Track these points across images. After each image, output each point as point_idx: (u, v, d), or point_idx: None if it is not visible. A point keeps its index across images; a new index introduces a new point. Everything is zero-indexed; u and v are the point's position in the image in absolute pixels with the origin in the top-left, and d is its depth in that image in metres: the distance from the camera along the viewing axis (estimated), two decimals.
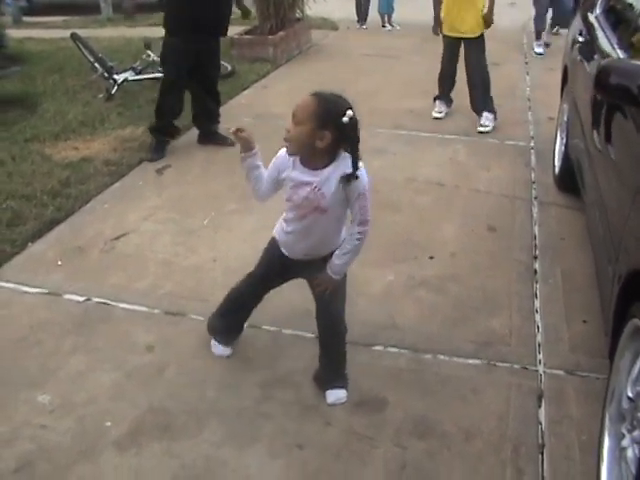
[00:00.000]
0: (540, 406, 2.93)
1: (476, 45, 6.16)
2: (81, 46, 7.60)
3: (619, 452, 2.32)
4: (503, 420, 2.85)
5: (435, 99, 6.68)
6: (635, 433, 2.20)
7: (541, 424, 2.83)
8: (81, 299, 3.67)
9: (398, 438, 2.76)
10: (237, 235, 4.22)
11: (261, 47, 8.83)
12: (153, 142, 5.68)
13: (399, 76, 8.29)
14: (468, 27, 6.05)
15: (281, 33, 9.03)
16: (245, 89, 7.67)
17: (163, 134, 5.68)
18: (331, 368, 3.00)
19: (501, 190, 5.02)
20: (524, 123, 6.54)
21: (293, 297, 3.31)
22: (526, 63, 9.01)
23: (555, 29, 10.35)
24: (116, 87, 7.11)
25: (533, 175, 5.32)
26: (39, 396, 2.97)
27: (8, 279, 3.86)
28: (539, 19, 9.53)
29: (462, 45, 6.22)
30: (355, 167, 2.57)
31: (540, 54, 9.34)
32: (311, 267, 2.80)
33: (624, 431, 2.30)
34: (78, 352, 3.26)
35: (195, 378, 3.07)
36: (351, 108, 2.50)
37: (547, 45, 9.52)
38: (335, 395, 2.94)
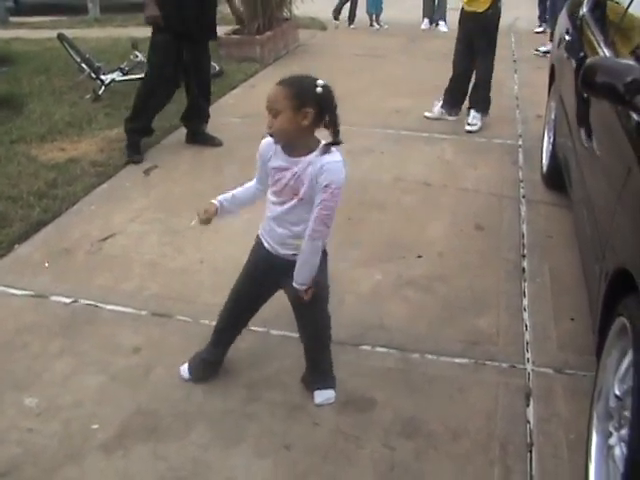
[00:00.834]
0: (528, 405, 2.93)
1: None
2: (68, 46, 7.55)
3: (607, 450, 2.32)
4: (491, 419, 2.85)
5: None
6: (622, 431, 2.20)
7: (529, 423, 2.83)
8: (68, 301, 3.65)
9: (386, 438, 2.75)
10: (224, 236, 4.20)
11: (249, 47, 8.81)
12: (125, 142, 5.63)
13: (387, 75, 8.30)
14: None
15: (269, 33, 9.01)
16: (233, 89, 7.66)
17: (138, 134, 5.63)
18: (317, 370, 2.99)
19: (489, 189, 5.02)
20: (512, 121, 6.56)
21: (282, 298, 3.29)
22: (514, 61, 9.03)
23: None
24: (103, 88, 7.07)
25: (521, 173, 5.33)
26: (26, 399, 2.95)
27: None
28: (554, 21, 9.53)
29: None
30: (333, 132, 2.54)
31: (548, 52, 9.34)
32: (289, 273, 2.75)
33: (612, 429, 2.30)
34: (65, 354, 3.24)
35: (182, 380, 3.05)
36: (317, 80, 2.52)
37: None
38: (323, 395, 2.93)
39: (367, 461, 2.65)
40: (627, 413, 2.15)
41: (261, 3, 9.01)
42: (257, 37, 8.86)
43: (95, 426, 2.80)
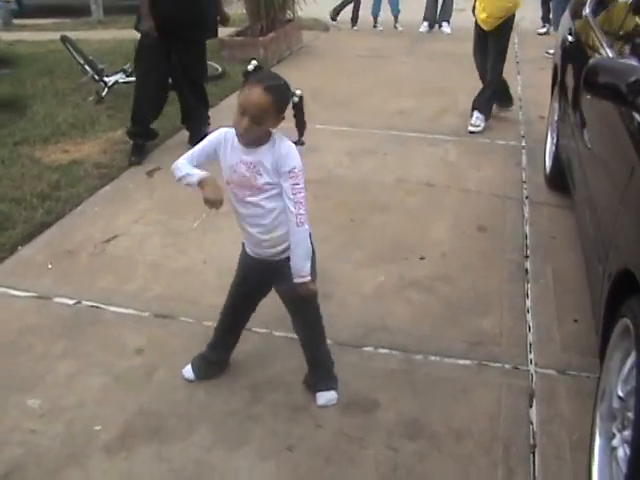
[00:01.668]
0: (531, 406, 2.93)
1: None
2: (71, 48, 7.55)
3: (610, 451, 2.31)
4: (494, 420, 2.85)
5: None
6: (625, 433, 2.19)
7: (532, 424, 2.83)
8: (71, 302, 3.65)
9: (389, 439, 2.75)
10: (227, 237, 4.19)
11: (252, 48, 8.79)
12: (130, 145, 5.64)
13: (390, 77, 8.29)
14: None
15: (272, 34, 9.01)
16: (235, 91, 7.63)
17: (139, 137, 5.64)
18: (319, 370, 2.99)
19: (492, 190, 5.02)
20: (515, 122, 6.55)
21: None
22: (517, 62, 9.01)
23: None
24: (106, 89, 7.08)
25: (524, 174, 5.32)
26: (29, 400, 2.96)
27: None
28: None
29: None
30: (301, 133, 2.66)
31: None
32: (279, 274, 2.75)
33: (615, 430, 2.29)
34: (68, 356, 3.25)
35: (185, 381, 3.05)
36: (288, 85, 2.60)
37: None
38: (325, 397, 2.93)
39: (370, 462, 2.64)
40: (630, 414, 2.15)
41: (264, 4, 9.00)
42: (260, 39, 8.85)
43: (98, 427, 2.81)
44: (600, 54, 3.49)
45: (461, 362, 3.21)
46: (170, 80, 5.69)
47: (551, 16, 10.30)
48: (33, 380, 3.08)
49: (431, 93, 7.47)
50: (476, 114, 6.28)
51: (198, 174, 2.62)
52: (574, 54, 4.32)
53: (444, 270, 3.96)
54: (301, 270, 2.65)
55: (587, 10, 4.48)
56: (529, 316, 3.54)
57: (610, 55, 3.33)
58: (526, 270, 3.96)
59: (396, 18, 11.29)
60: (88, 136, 6.07)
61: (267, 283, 2.89)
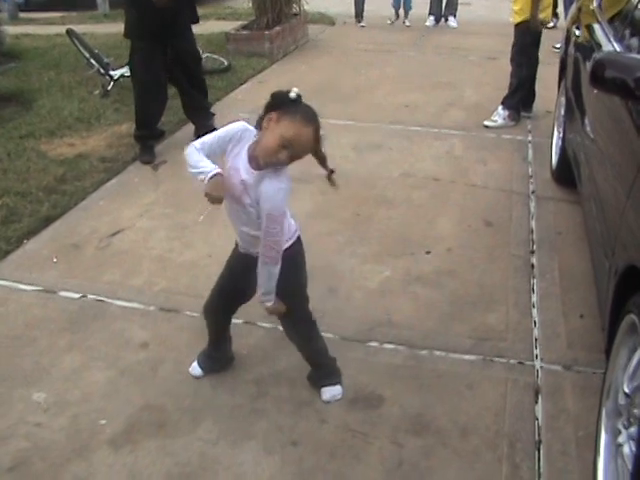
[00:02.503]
0: (537, 402, 2.92)
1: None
2: (77, 42, 7.55)
3: (615, 448, 2.31)
4: (499, 416, 2.84)
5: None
6: (631, 429, 2.19)
7: (538, 420, 2.82)
8: (76, 296, 3.66)
9: (394, 435, 2.74)
10: (233, 230, 4.19)
11: (257, 42, 8.79)
12: (138, 147, 5.60)
13: (396, 71, 8.27)
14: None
15: (277, 28, 8.99)
16: (241, 84, 7.65)
17: (148, 139, 5.62)
18: (321, 367, 2.99)
19: (498, 184, 5.00)
20: (521, 117, 6.52)
21: None
22: None
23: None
24: (112, 83, 7.08)
25: (530, 169, 5.31)
26: (34, 394, 2.96)
27: (3, 277, 3.84)
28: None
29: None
30: (325, 165, 2.62)
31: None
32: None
33: (620, 427, 2.28)
34: (73, 350, 3.25)
35: (190, 375, 3.06)
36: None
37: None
38: (330, 392, 2.93)
39: (375, 458, 2.64)
40: (636, 411, 2.15)
41: None
42: (266, 32, 8.84)
43: (103, 421, 2.81)
44: (607, 48, 3.47)
45: (466, 357, 3.20)
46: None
47: (558, 10, 10.23)
48: (38, 374, 3.09)
49: (437, 87, 7.46)
50: (499, 110, 6.25)
51: (210, 171, 2.45)
52: (581, 48, 4.30)
53: (450, 265, 3.95)
54: (261, 296, 2.63)
55: (595, 3, 4.46)
56: (535, 311, 3.53)
57: (618, 49, 3.31)
58: (532, 265, 3.95)
59: (407, 13, 11.25)
60: (94, 130, 6.08)
61: (254, 277, 2.75)
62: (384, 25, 11.19)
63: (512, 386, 3.01)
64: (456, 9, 11.10)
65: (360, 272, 3.87)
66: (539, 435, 2.74)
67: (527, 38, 6.01)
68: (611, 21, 3.81)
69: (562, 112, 4.98)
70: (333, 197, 4.63)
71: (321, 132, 2.49)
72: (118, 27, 10.35)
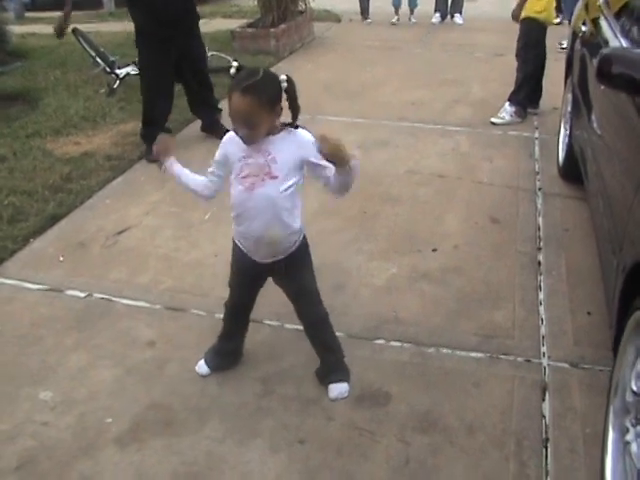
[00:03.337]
0: (544, 399, 2.91)
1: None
2: (83, 41, 7.56)
3: (623, 446, 2.29)
4: (506, 413, 2.83)
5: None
6: (639, 427, 2.18)
7: (545, 417, 2.81)
8: (82, 295, 3.66)
9: (401, 433, 2.74)
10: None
11: (263, 40, 8.79)
12: (144, 145, 5.57)
13: (402, 68, 8.26)
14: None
15: (283, 25, 8.98)
16: None
17: (154, 137, 5.59)
18: (330, 361, 2.98)
19: (504, 181, 4.99)
20: (528, 113, 6.50)
21: None
22: None
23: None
24: (118, 82, 7.09)
25: (537, 166, 5.29)
26: (40, 393, 2.97)
27: (10, 275, 3.85)
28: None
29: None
30: (295, 117, 2.56)
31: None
32: (281, 272, 2.77)
33: (628, 425, 2.27)
34: (79, 348, 3.26)
35: (196, 373, 3.06)
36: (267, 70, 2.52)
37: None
38: (337, 389, 2.92)
39: (382, 456, 2.63)
40: None
41: None
42: (272, 30, 8.83)
43: (109, 420, 2.81)
44: (614, 43, 3.45)
45: (473, 355, 3.19)
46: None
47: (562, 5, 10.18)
48: (45, 373, 3.09)
49: (443, 84, 7.45)
50: (507, 106, 6.23)
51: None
52: (588, 44, 4.28)
53: (456, 262, 3.94)
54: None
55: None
56: (542, 309, 3.52)
57: (624, 44, 3.29)
58: (539, 262, 3.93)
59: (412, 11, 11.22)
60: (99, 128, 6.09)
61: (265, 276, 2.88)
62: (390, 22, 11.16)
63: (519, 384, 3.00)
64: (462, 6, 11.08)
65: (367, 269, 3.86)
66: (546, 433, 2.73)
67: (532, 33, 6.00)
68: (618, 15, 3.79)
69: (569, 108, 4.96)
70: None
71: (284, 84, 2.49)
72: (124, 25, 10.39)
